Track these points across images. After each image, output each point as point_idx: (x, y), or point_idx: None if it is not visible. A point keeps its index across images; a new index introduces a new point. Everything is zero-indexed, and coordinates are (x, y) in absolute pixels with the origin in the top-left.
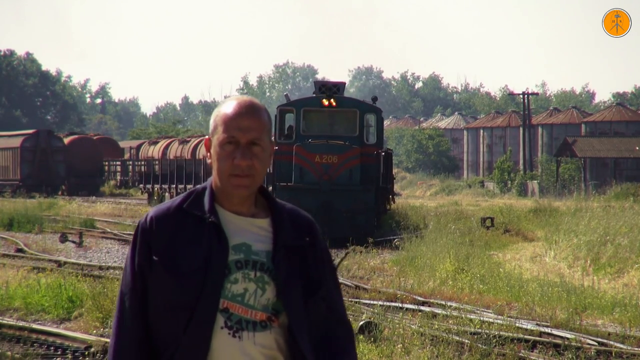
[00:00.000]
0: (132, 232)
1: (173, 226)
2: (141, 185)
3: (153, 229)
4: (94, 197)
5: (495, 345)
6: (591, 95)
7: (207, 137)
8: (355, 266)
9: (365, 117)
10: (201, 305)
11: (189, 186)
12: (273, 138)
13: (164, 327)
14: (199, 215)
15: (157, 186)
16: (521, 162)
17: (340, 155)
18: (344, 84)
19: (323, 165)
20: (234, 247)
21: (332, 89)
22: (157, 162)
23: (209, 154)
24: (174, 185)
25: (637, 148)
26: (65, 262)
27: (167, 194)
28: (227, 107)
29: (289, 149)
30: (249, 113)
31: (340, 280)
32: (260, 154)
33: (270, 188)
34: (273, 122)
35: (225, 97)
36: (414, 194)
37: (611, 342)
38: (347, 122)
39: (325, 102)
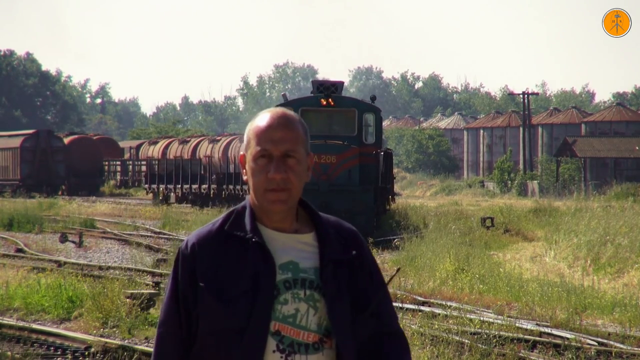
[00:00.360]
0: (132, 232)
1: (216, 250)
2: (146, 185)
3: (195, 255)
4: (94, 197)
5: (495, 345)
6: (591, 95)
7: (242, 153)
8: None
9: (363, 117)
10: (251, 329)
11: (194, 186)
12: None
13: (213, 354)
14: (242, 236)
15: (162, 186)
16: (521, 162)
17: (338, 155)
18: (342, 83)
19: (321, 165)
20: (281, 266)
21: (330, 88)
22: (156, 162)
23: (244, 170)
24: (179, 186)
25: (637, 148)
26: (65, 262)
27: (172, 194)
28: (259, 120)
29: None
30: (281, 124)
31: None
32: (296, 167)
33: None
34: None
35: (225, 97)
36: (414, 194)
37: (611, 342)
38: (346, 121)
39: (324, 101)
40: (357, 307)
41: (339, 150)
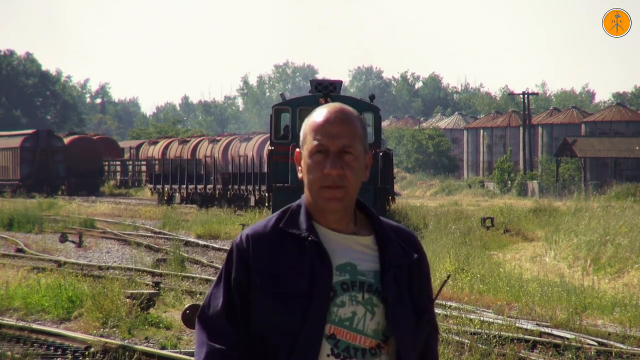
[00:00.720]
0: (132, 232)
1: (271, 247)
2: (150, 186)
3: (250, 249)
4: (93, 197)
5: (495, 345)
6: (591, 95)
7: (297, 150)
8: None
9: (362, 116)
10: (305, 331)
11: (199, 186)
12: (270, 138)
13: (264, 355)
14: (298, 235)
15: (167, 186)
16: (521, 162)
17: None
18: (341, 82)
19: None
20: (339, 267)
21: (328, 87)
22: (158, 162)
23: (299, 167)
24: (184, 186)
25: (637, 148)
26: (65, 262)
27: (177, 194)
28: (316, 115)
29: (285, 149)
30: (338, 119)
31: None
32: (353, 163)
33: (266, 189)
34: (269, 121)
35: (225, 97)
36: (414, 194)
37: (611, 342)
38: None
39: (322, 100)
40: (417, 313)
41: None
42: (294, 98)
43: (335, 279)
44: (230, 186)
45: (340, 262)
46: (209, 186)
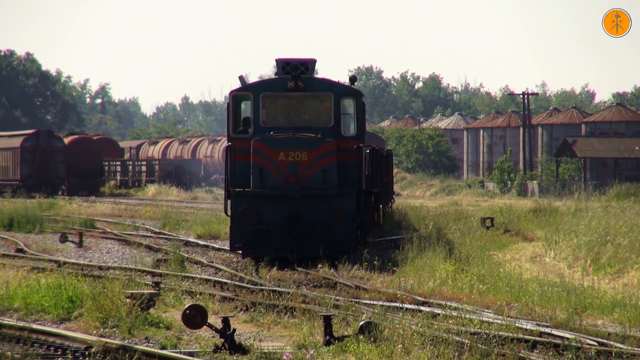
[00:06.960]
0: (132, 232)
1: None
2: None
3: None
4: (94, 197)
5: (495, 345)
6: (591, 95)
7: None
8: (356, 266)
9: (342, 103)
10: None
11: None
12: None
13: None
14: None
15: None
16: (521, 162)
17: (310, 151)
18: (314, 61)
19: (289, 164)
20: None
21: (298, 67)
22: (156, 162)
23: None
24: None
25: (637, 148)
26: (65, 262)
27: None
28: None
29: (246, 145)
30: None
31: (340, 280)
32: None
33: (224, 195)
34: (225, 111)
35: (225, 97)
36: (414, 194)
37: (611, 342)
38: (319, 109)
39: (291, 84)
40: None
41: (311, 145)
42: (257, 81)
43: None
44: None
45: None
46: None
